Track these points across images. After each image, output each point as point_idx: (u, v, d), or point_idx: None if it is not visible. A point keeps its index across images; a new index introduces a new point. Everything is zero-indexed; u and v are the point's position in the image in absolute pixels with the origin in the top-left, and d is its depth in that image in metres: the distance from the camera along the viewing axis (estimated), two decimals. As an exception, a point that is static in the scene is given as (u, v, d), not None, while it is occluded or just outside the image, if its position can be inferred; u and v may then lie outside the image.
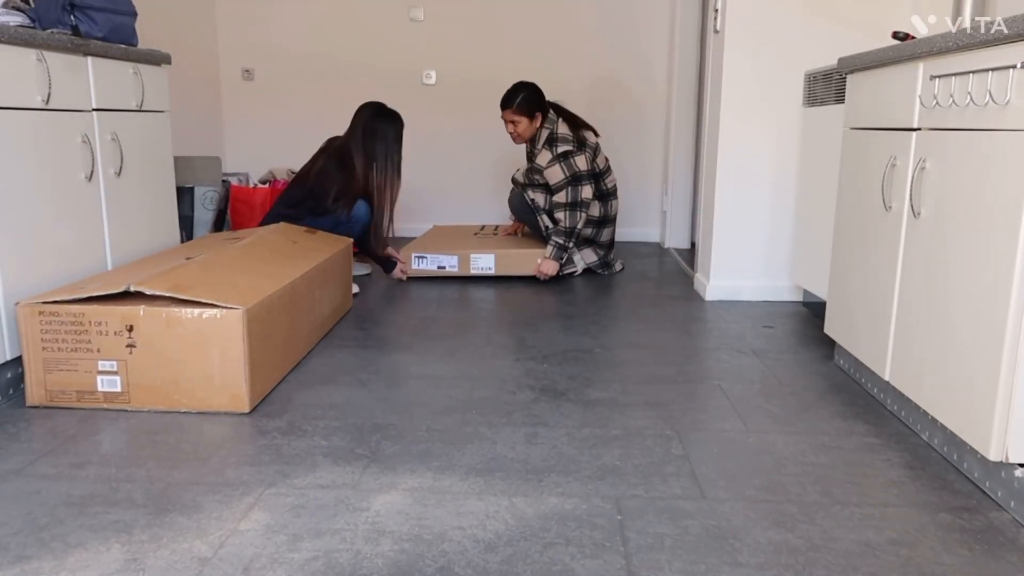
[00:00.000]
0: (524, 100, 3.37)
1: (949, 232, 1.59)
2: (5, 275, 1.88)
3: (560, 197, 3.33)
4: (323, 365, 2.25)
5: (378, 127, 3.18)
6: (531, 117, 3.38)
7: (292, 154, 4.61)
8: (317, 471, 1.58)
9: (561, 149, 3.33)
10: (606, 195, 3.50)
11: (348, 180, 3.12)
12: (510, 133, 3.44)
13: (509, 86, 3.94)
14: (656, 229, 4.67)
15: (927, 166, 1.68)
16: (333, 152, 3.19)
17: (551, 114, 3.43)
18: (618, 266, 3.64)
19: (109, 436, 1.74)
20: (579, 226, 3.35)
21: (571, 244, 3.35)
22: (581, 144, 3.36)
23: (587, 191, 3.34)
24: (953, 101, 1.58)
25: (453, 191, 4.68)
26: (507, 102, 3.39)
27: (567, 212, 3.32)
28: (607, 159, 3.54)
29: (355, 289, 3.33)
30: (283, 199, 3.17)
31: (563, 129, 3.38)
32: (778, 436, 1.78)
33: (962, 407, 1.52)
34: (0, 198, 1.85)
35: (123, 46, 2.34)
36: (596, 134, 3.50)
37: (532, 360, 2.32)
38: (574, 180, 3.31)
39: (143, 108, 2.48)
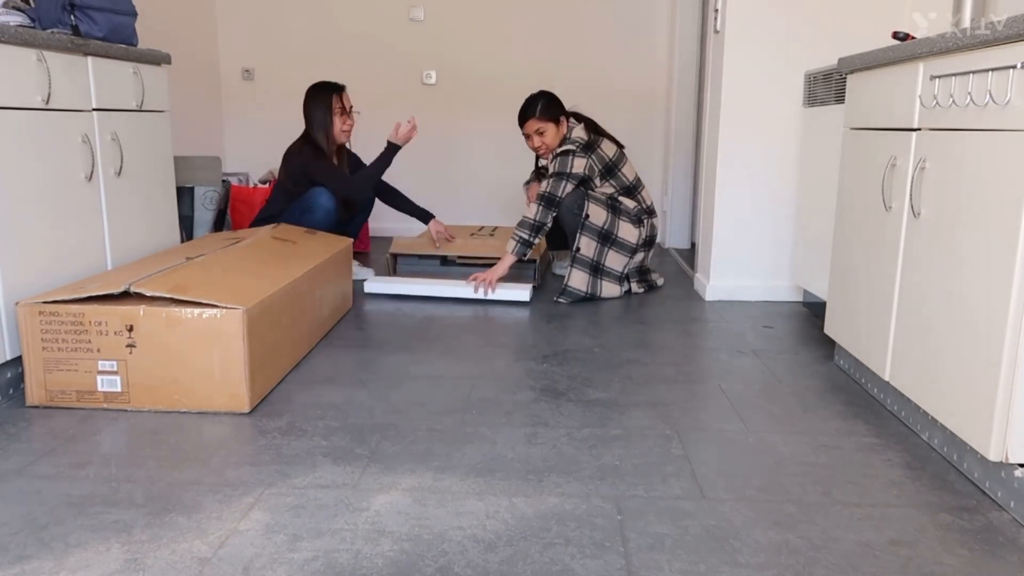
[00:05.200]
0: (545, 106, 3.10)
1: (949, 232, 1.59)
2: (5, 275, 1.88)
3: (543, 187, 3.06)
4: (323, 365, 2.25)
5: (309, 105, 3.18)
6: (557, 122, 3.12)
7: (292, 154, 4.61)
8: (317, 471, 1.58)
9: (563, 148, 3.08)
10: (643, 213, 3.18)
11: (306, 161, 3.12)
12: (535, 148, 3.17)
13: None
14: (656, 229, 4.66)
15: (927, 166, 1.68)
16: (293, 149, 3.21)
17: (571, 123, 3.16)
18: (660, 281, 3.34)
19: (109, 436, 1.74)
20: (547, 223, 3.04)
21: (534, 240, 3.05)
22: (588, 148, 3.08)
23: (568, 189, 3.04)
24: (953, 101, 1.58)
25: (453, 191, 4.68)
26: (528, 112, 3.13)
27: (540, 207, 3.03)
28: (637, 179, 3.21)
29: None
30: (267, 203, 3.24)
31: (578, 132, 3.11)
32: (778, 436, 1.78)
33: (962, 407, 1.52)
34: (0, 198, 1.85)
35: (123, 46, 2.34)
36: (619, 145, 3.21)
37: (532, 360, 2.32)
38: (559, 175, 3.03)
39: (143, 108, 2.48)
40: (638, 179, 3.21)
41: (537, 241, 3.07)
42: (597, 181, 3.12)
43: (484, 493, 1.49)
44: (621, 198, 3.15)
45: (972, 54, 1.51)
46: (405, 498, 1.47)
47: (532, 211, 3.04)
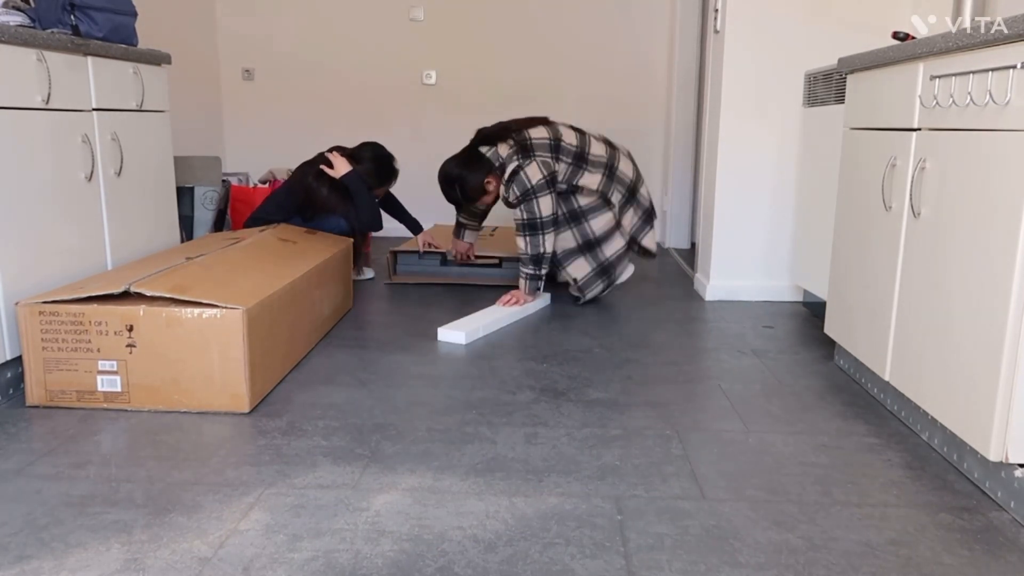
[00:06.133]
0: (464, 192, 2.89)
1: (949, 232, 1.59)
2: (5, 275, 1.88)
3: (517, 216, 2.80)
4: (323, 365, 2.25)
5: (378, 169, 3.19)
6: (484, 190, 2.88)
7: (292, 154, 4.61)
8: (317, 471, 1.58)
9: (508, 171, 2.79)
10: (591, 166, 2.84)
11: (333, 203, 3.11)
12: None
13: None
14: (656, 229, 4.66)
15: (927, 166, 1.68)
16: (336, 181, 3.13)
17: (489, 153, 2.86)
18: (624, 275, 2.99)
19: (109, 436, 1.74)
20: (545, 249, 2.80)
21: (542, 271, 2.83)
22: (525, 150, 2.79)
23: (545, 204, 2.76)
24: (953, 101, 1.58)
25: (453, 191, 4.67)
26: (457, 205, 3.01)
27: (527, 238, 2.79)
28: (579, 135, 2.89)
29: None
30: (276, 201, 3.17)
31: (503, 151, 2.83)
32: (778, 436, 1.78)
33: (962, 407, 1.52)
34: (0, 198, 1.85)
35: (123, 46, 2.34)
36: (547, 122, 2.90)
37: (532, 360, 2.32)
38: (524, 197, 2.76)
39: (143, 108, 2.48)
40: (582, 139, 2.87)
41: (547, 270, 2.85)
42: (562, 165, 2.82)
43: (484, 493, 1.49)
44: (579, 183, 2.84)
45: (972, 54, 1.51)
46: (405, 498, 1.47)
47: (521, 244, 2.81)
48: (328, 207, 3.08)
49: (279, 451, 1.67)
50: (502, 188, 2.84)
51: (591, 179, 2.86)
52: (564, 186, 2.85)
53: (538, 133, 2.84)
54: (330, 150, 3.20)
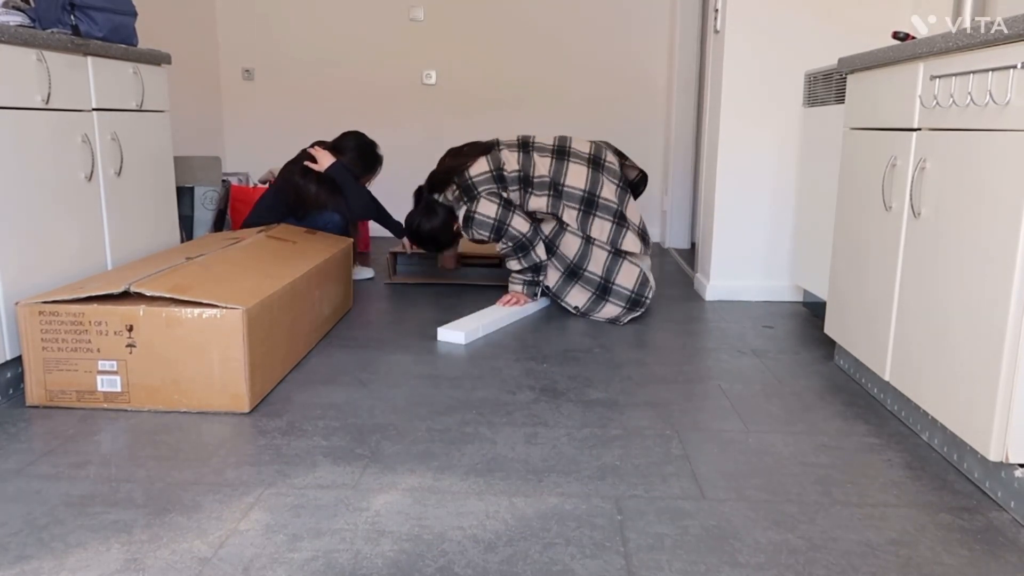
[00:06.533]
0: (438, 244, 3.02)
1: (949, 232, 1.59)
2: (5, 275, 1.88)
3: (501, 247, 2.80)
4: (323, 365, 2.25)
5: (362, 157, 3.21)
6: (456, 234, 3.00)
7: (292, 154, 4.60)
8: (317, 471, 1.58)
9: (461, 218, 2.82)
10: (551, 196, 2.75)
11: (323, 197, 3.12)
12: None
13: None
14: (656, 229, 4.67)
15: (927, 166, 1.68)
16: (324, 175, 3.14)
17: (442, 199, 2.91)
18: (623, 317, 2.78)
19: (109, 436, 1.74)
20: (540, 258, 2.79)
21: (540, 276, 2.83)
22: (467, 192, 2.78)
23: (519, 224, 2.73)
24: (953, 101, 1.58)
25: (453, 191, 4.68)
26: (436, 249, 3.10)
27: (520, 258, 2.80)
28: (524, 155, 2.79)
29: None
30: (266, 204, 3.18)
31: (450, 196, 2.87)
32: (778, 436, 1.78)
33: (962, 407, 1.52)
34: (0, 198, 1.85)
35: (123, 46, 2.34)
36: (488, 150, 2.82)
37: (532, 360, 2.32)
38: (498, 232, 2.74)
39: (143, 108, 2.48)
40: (526, 159, 2.79)
41: (544, 276, 2.83)
42: (514, 194, 2.79)
43: (484, 493, 1.49)
44: (529, 209, 2.78)
45: (972, 54, 1.51)
46: (405, 498, 1.47)
47: (515, 265, 2.83)
48: (319, 203, 3.08)
49: (279, 451, 1.67)
50: (463, 232, 2.85)
51: (538, 202, 2.76)
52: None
53: (478, 169, 2.78)
54: (311, 145, 3.19)
